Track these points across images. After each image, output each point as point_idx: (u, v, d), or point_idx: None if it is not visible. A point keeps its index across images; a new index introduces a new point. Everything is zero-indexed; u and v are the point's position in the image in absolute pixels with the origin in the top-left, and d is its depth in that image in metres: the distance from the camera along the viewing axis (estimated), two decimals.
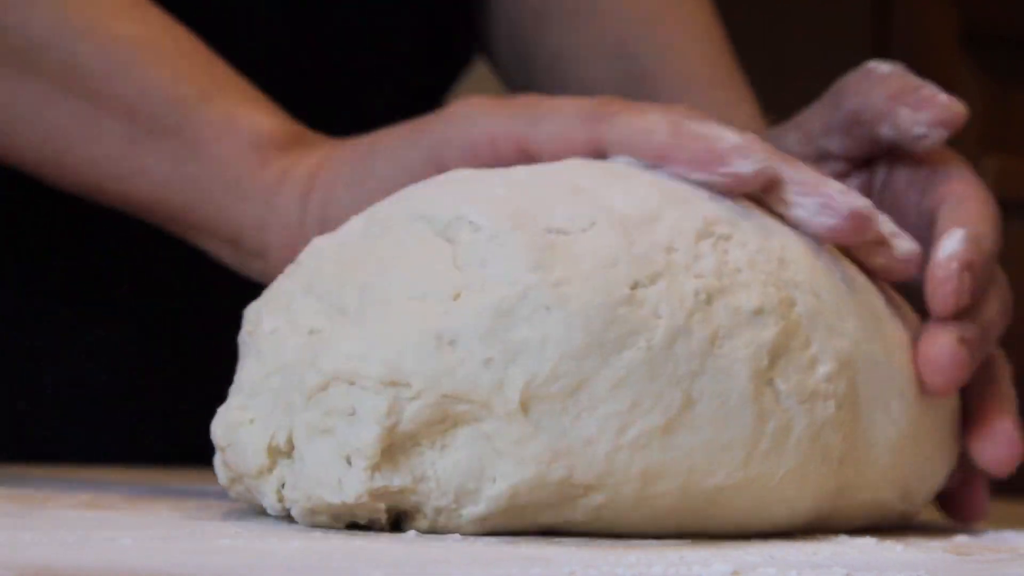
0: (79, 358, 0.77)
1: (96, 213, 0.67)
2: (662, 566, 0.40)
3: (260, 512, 0.50)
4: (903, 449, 0.52)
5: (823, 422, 0.49)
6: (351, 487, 0.46)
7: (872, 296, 0.53)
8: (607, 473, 0.46)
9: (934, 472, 0.55)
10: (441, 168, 0.54)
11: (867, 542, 0.48)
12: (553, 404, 0.45)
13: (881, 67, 0.59)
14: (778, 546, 0.46)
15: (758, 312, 0.48)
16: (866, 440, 0.50)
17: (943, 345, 0.52)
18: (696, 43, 0.78)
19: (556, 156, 0.53)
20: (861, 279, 0.54)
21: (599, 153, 0.53)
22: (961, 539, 0.51)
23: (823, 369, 0.49)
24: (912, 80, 0.58)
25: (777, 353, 0.48)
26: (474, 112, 0.56)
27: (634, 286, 0.47)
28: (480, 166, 0.53)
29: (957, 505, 0.58)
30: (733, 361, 0.47)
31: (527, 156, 0.54)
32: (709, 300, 0.47)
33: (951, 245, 0.54)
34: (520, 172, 0.51)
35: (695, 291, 0.47)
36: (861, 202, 0.52)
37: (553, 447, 0.45)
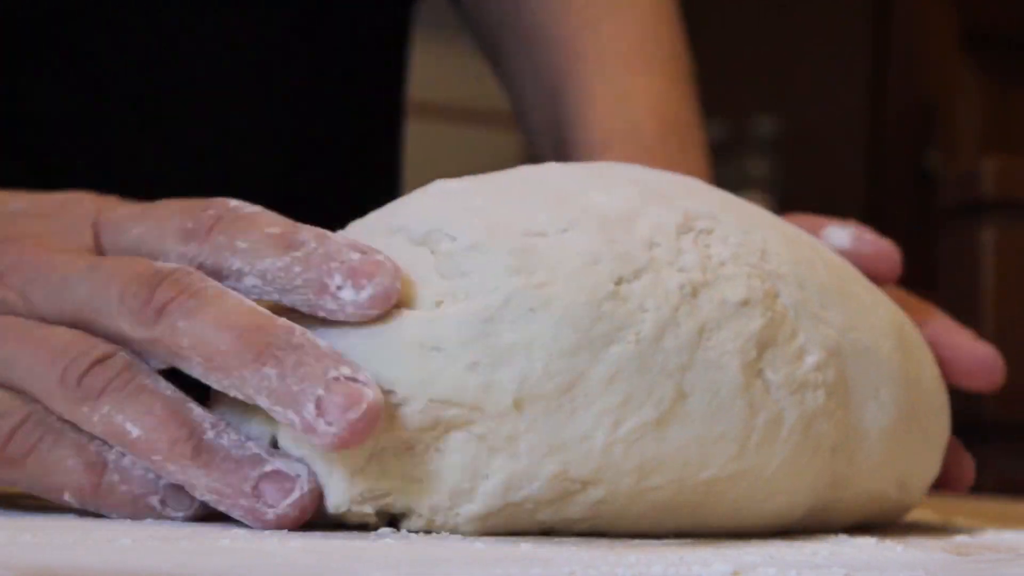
0: None
1: None
2: (662, 566, 0.40)
3: None
4: (896, 437, 0.52)
5: (814, 412, 0.49)
6: (335, 495, 0.46)
7: (856, 285, 0.54)
8: (603, 468, 0.46)
9: (928, 461, 0.55)
10: None
11: (867, 542, 0.48)
12: (547, 402, 0.45)
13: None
14: (778, 546, 0.46)
15: (744, 304, 0.48)
16: (858, 428, 0.51)
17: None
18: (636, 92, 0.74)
19: None
20: (844, 270, 0.54)
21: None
22: (961, 539, 0.51)
23: (811, 359, 0.49)
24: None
25: (765, 344, 0.48)
26: None
27: (618, 281, 0.47)
28: None
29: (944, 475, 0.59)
30: (722, 353, 0.47)
31: None
32: (694, 293, 0.48)
33: (984, 347, 0.62)
34: (503, 178, 0.52)
35: (680, 285, 0.47)
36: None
37: (548, 442, 0.45)
